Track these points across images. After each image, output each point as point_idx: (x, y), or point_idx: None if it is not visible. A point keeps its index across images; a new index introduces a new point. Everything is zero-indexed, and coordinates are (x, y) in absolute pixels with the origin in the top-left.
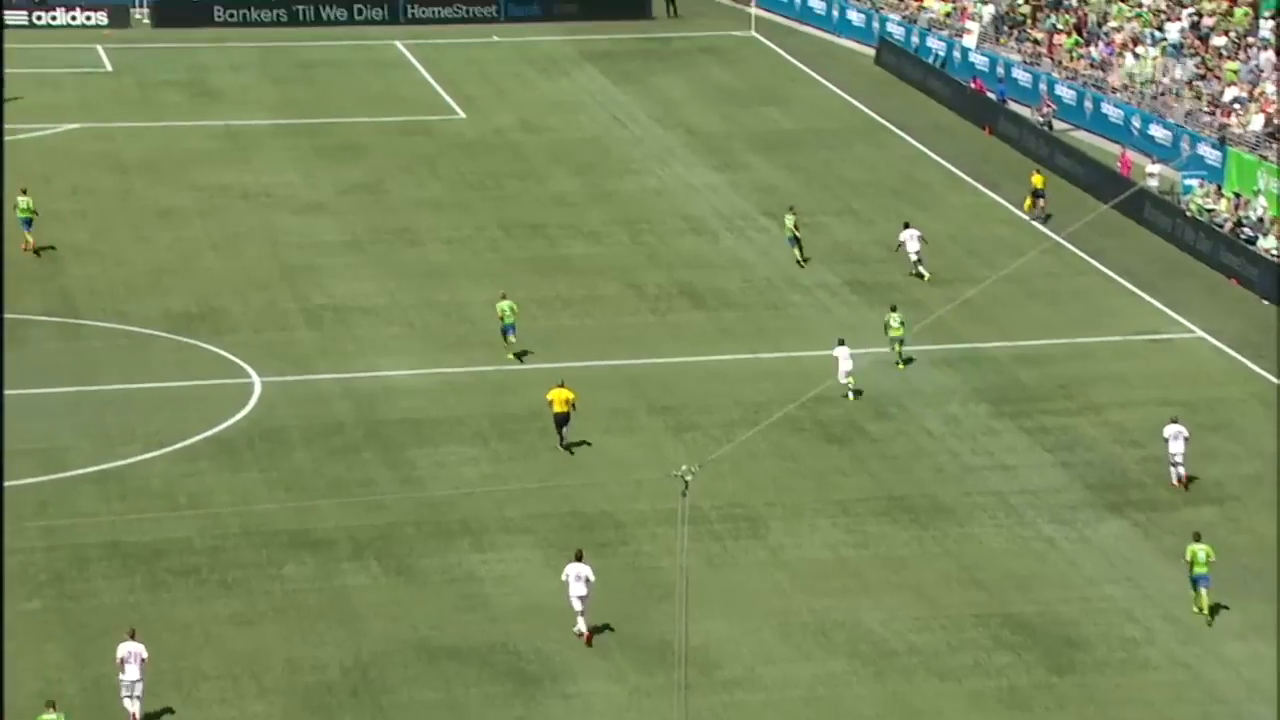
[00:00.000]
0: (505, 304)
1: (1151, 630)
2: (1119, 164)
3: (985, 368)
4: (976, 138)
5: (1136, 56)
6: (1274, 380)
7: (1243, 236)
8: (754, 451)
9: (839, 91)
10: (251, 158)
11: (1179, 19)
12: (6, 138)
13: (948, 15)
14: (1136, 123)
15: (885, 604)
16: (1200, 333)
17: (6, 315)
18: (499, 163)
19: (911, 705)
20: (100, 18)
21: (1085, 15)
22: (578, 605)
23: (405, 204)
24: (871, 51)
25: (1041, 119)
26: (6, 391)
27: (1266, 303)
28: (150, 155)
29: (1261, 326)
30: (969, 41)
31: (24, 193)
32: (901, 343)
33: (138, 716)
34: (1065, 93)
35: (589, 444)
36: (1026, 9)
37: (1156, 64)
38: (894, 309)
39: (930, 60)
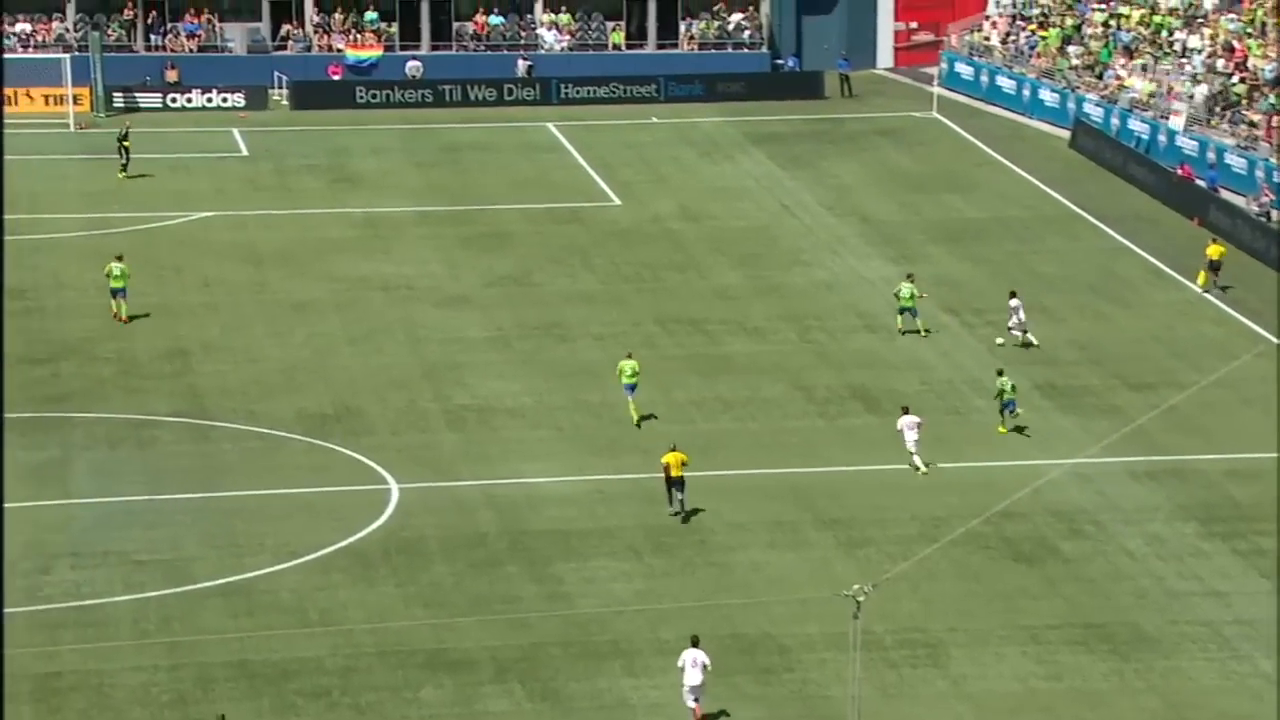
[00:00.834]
0: (628, 363)
1: None
2: None
3: (1192, 482)
4: (1183, 229)
5: None
6: None
7: None
8: (933, 571)
9: (1029, 177)
10: (392, 247)
11: None
12: (139, 226)
13: (1152, 95)
14: None
15: None
16: None
17: (135, 416)
18: (656, 253)
19: None
20: (237, 99)
21: None
22: (690, 699)
23: (555, 297)
24: (1066, 134)
25: (1259, 209)
26: (132, 496)
27: None
28: (285, 245)
29: None
30: (1176, 123)
31: (119, 259)
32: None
33: None
34: None
35: (751, 560)
36: (1242, 88)
37: None
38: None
39: (1132, 144)
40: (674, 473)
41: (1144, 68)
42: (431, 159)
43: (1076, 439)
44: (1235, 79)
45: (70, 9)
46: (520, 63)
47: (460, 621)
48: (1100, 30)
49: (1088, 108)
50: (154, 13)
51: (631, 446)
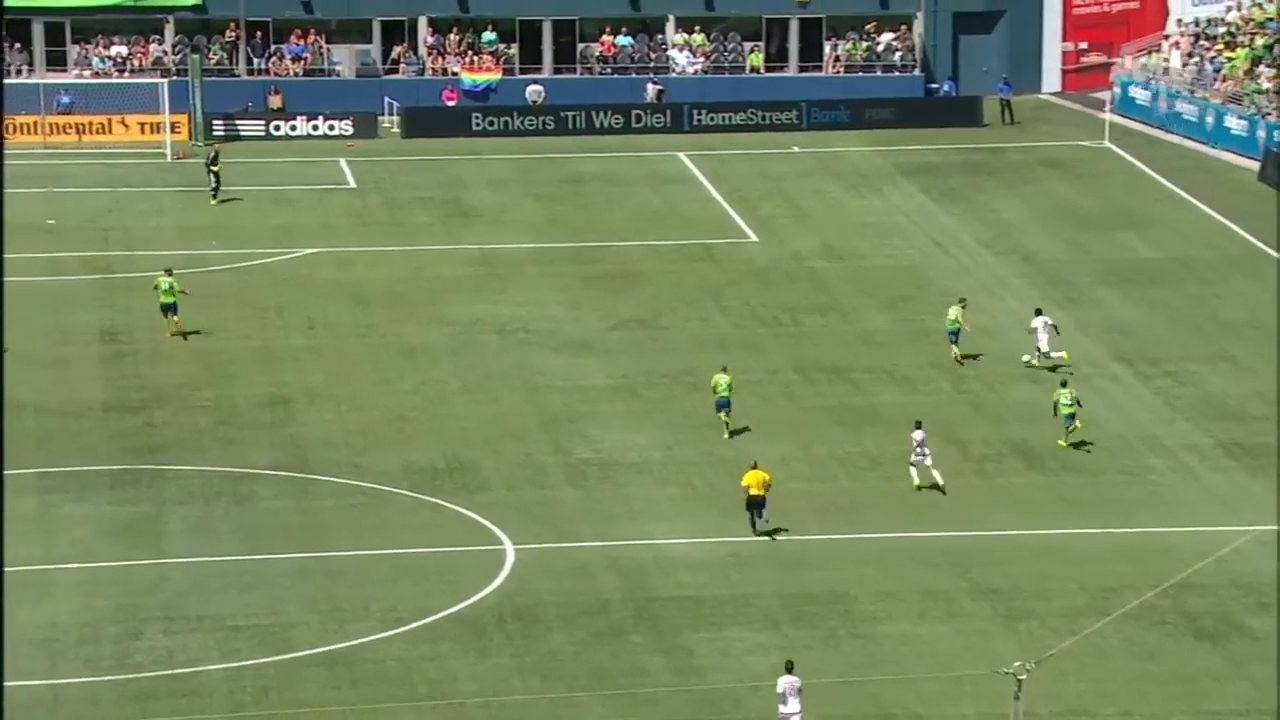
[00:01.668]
0: (723, 377)
1: None
2: None
3: None
4: None
5: None
6: None
7: None
8: (1103, 647)
9: (1213, 213)
10: (509, 287)
11: None
12: (238, 264)
13: None
14: None
15: None
16: None
17: (232, 468)
18: (796, 294)
19: None
20: (345, 127)
21: None
22: None
23: (685, 342)
24: (1254, 165)
25: None
26: (228, 556)
27: None
28: (395, 284)
29: None
30: None
31: (168, 273)
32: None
33: None
34: None
35: (900, 632)
36: None
37: None
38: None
39: None
40: (754, 492)
41: None
42: (553, 191)
43: (1265, 503)
44: None
45: (169, 30)
46: (650, 87)
47: (581, 696)
48: None
49: (1279, 136)
50: (259, 34)
51: (770, 506)
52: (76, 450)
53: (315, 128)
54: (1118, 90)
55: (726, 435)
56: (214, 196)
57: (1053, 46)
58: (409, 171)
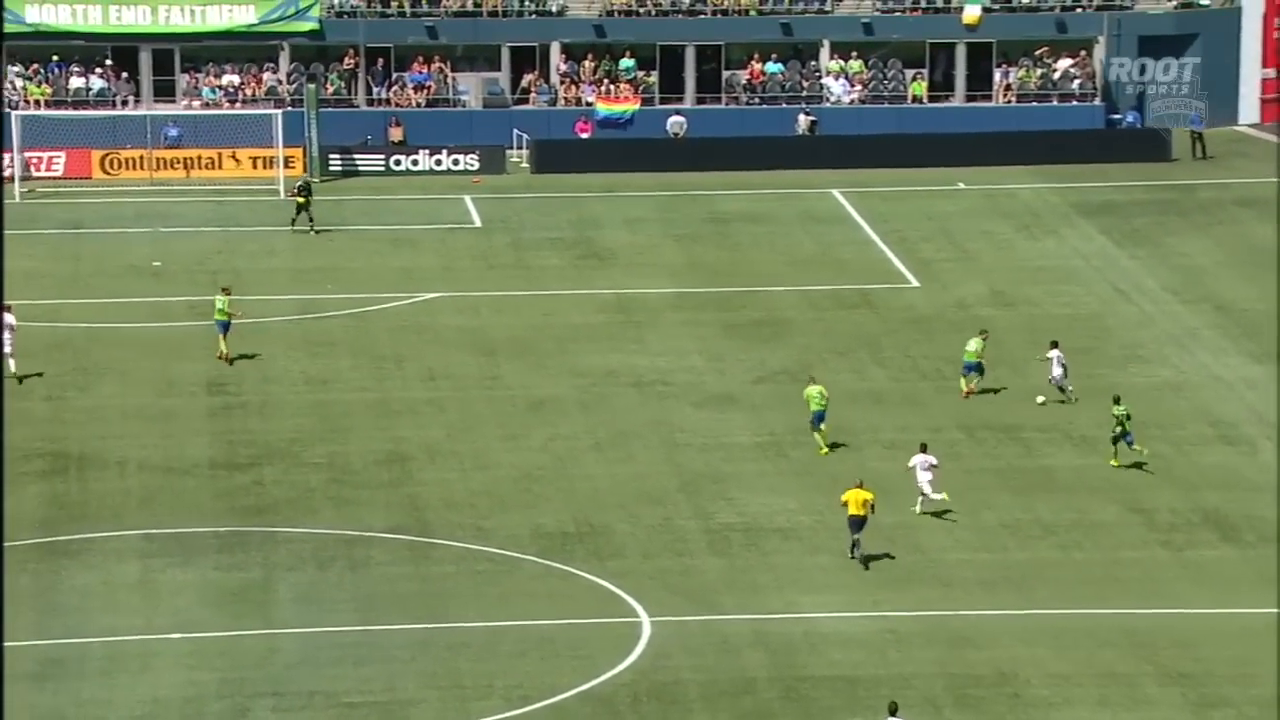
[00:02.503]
0: (816, 388)
1: None
2: None
3: None
4: None
5: None
6: None
7: None
8: None
9: None
10: (646, 335)
11: None
12: (355, 309)
13: None
14: None
15: None
16: None
17: (346, 531)
18: (962, 346)
19: None
20: (470, 161)
21: None
22: None
23: (839, 396)
24: None
25: None
26: (342, 627)
27: None
28: (522, 332)
29: None
30: None
31: (224, 291)
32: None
33: None
34: None
35: (1077, 719)
36: None
37: None
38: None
39: None
40: (854, 512)
41: None
42: (694, 232)
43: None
44: None
45: (283, 58)
46: (801, 118)
47: None
48: None
49: None
50: (379, 61)
51: (931, 577)
52: (181, 510)
53: (438, 162)
54: None
55: (824, 451)
56: (310, 225)
57: (1250, 73)
58: (539, 210)
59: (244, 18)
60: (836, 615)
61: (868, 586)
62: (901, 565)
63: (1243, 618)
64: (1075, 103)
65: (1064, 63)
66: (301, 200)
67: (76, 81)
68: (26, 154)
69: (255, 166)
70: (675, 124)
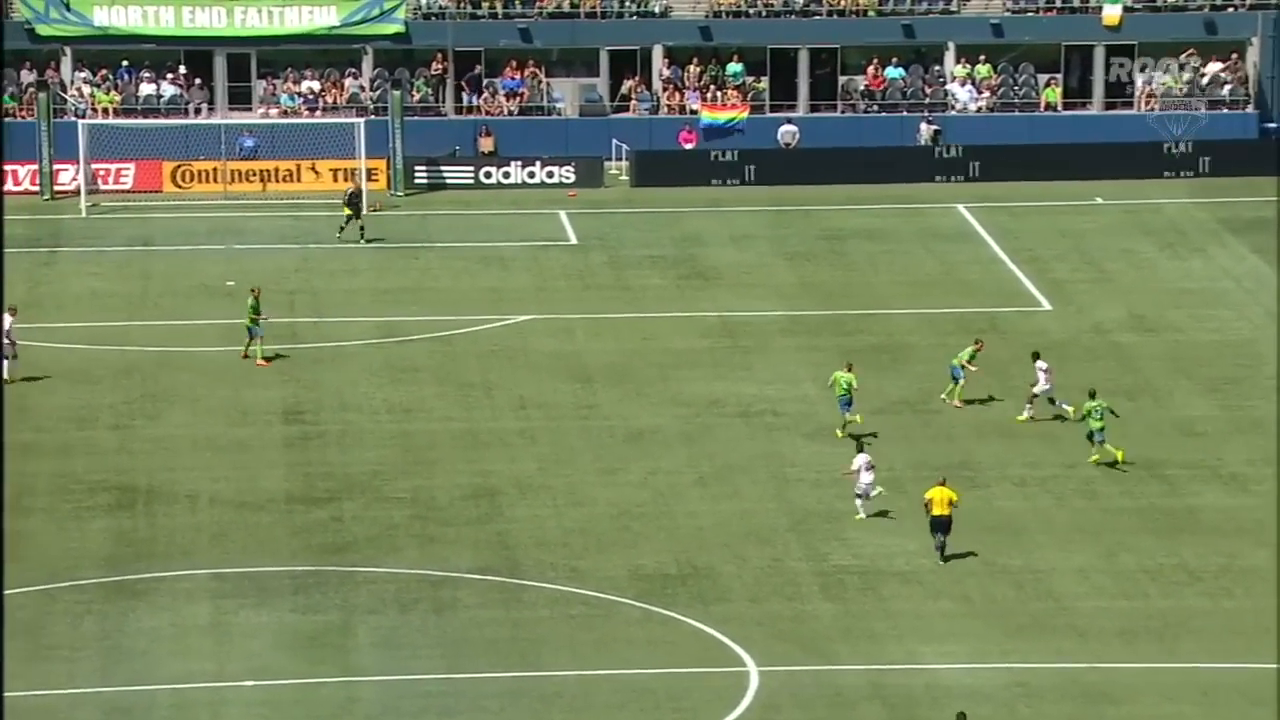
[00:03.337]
0: (845, 375)
1: None
2: None
3: None
4: None
5: None
6: None
7: None
8: None
9: None
10: (754, 362)
11: None
12: (441, 332)
13: None
14: None
15: None
16: None
17: (431, 571)
18: (1098, 373)
19: None
20: (566, 173)
21: None
22: None
23: (964, 428)
24: None
25: None
26: (427, 675)
27: None
28: (620, 357)
29: None
30: None
31: (253, 293)
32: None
33: None
34: None
35: None
36: None
37: None
38: (1092, 394)
39: None
40: (937, 511)
41: None
42: (807, 249)
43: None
44: None
45: (367, 63)
46: (924, 127)
47: None
48: None
49: None
50: (477, 66)
51: (1065, 626)
52: (255, 548)
53: (531, 175)
54: None
55: (841, 436)
56: (361, 234)
57: None
58: (639, 226)
59: (325, 20)
60: (961, 666)
61: (995, 636)
62: (1032, 612)
63: None
64: (1225, 110)
65: (1213, 66)
66: (349, 211)
67: (147, 88)
68: (93, 166)
69: (335, 179)
70: (787, 133)
